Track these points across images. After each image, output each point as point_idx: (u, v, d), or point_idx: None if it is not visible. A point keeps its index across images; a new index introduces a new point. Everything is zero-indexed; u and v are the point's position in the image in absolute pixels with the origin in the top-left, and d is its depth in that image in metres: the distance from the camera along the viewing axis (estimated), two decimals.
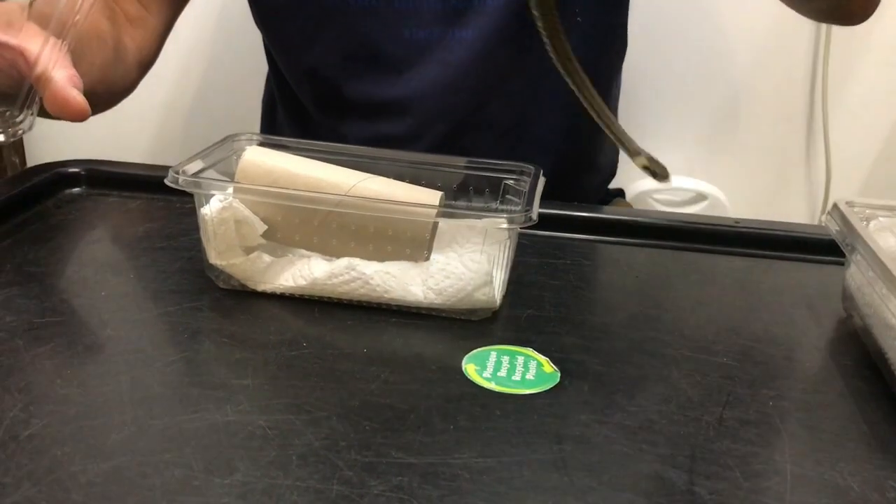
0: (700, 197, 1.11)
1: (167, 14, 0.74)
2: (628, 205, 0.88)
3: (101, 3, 0.66)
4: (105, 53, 0.60)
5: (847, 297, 0.48)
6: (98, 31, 0.60)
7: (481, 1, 0.67)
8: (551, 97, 0.71)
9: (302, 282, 0.45)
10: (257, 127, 0.88)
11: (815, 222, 1.25)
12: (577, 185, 0.79)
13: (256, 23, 0.76)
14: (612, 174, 0.87)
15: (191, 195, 0.60)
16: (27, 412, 0.35)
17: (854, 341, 0.45)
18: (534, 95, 0.71)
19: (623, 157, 1.05)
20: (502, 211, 0.44)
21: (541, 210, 0.58)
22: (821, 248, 0.56)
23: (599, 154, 0.80)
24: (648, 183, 1.13)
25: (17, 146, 1.35)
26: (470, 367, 0.41)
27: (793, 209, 1.22)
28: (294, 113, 0.79)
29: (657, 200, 1.10)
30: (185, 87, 1.15)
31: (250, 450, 0.34)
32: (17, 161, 1.36)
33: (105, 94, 0.61)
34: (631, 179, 1.12)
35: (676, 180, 1.14)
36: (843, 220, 0.47)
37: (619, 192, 0.90)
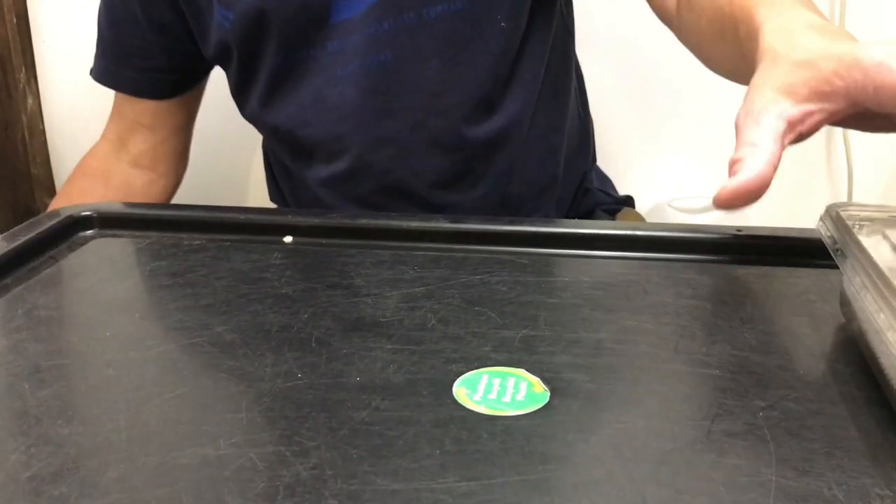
0: None
1: (174, 127, 0.85)
2: (637, 214, 0.88)
3: (95, 170, 0.85)
4: None
5: (844, 303, 0.47)
6: None
7: (395, 25, 0.69)
8: (487, 106, 0.73)
9: None
10: (260, 166, 0.92)
11: None
12: (540, 177, 0.80)
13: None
14: (585, 164, 0.87)
15: (197, 233, 0.62)
16: (28, 454, 0.37)
17: (852, 347, 0.45)
18: (473, 107, 0.73)
19: (634, 162, 1.04)
20: None
21: (540, 228, 0.59)
22: (826, 252, 0.56)
23: (553, 147, 0.81)
24: (663, 191, 1.13)
25: (49, 186, 1.39)
26: (461, 391, 0.41)
27: (815, 214, 1.21)
28: (274, 160, 0.86)
29: (674, 208, 1.09)
30: (203, 131, 1.18)
31: (239, 482, 0.35)
32: (49, 202, 1.40)
33: None
34: (644, 187, 1.12)
35: (694, 187, 1.14)
36: (835, 225, 0.47)
37: (628, 199, 0.90)
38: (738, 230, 0.59)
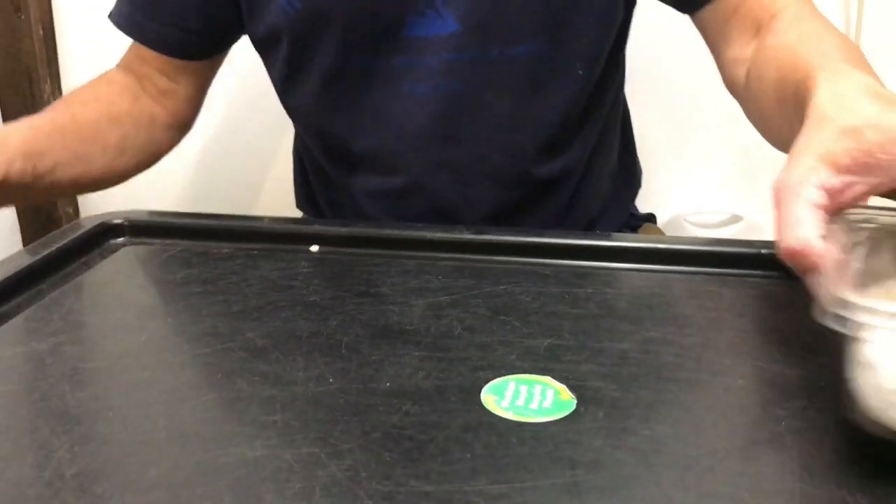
0: (734, 218, 1.11)
1: (195, 84, 0.81)
2: (658, 230, 0.88)
3: (121, 86, 0.78)
4: (121, 131, 0.75)
5: None
6: (111, 115, 0.74)
7: (475, 56, 0.70)
8: (551, 148, 0.74)
9: None
10: (290, 175, 0.92)
11: None
12: (592, 213, 0.80)
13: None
14: (633, 195, 0.88)
15: (226, 241, 0.63)
16: (72, 452, 0.38)
17: None
18: (537, 148, 0.73)
19: (650, 176, 1.06)
20: None
21: (562, 241, 0.60)
22: None
23: (612, 189, 0.82)
24: (681, 206, 1.14)
25: (71, 197, 1.41)
26: (489, 398, 0.42)
27: None
28: (311, 164, 0.84)
29: (690, 223, 1.10)
30: (222, 136, 1.19)
31: (277, 482, 0.36)
32: (71, 210, 1.42)
33: (130, 163, 0.77)
34: (663, 202, 1.13)
35: (709, 202, 1.15)
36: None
37: (650, 217, 0.91)
38: (762, 246, 0.60)
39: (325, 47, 0.71)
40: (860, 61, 0.54)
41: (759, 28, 0.66)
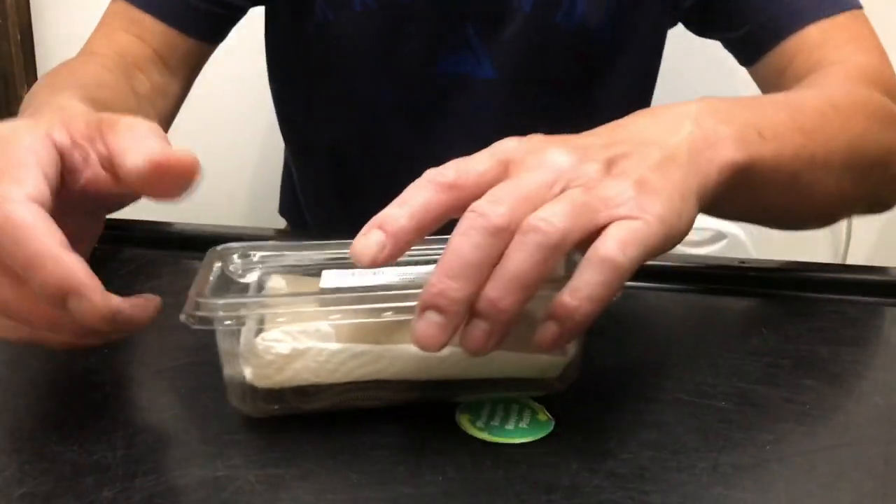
0: (719, 236, 1.10)
1: (186, 81, 0.77)
2: None
3: (115, 81, 0.67)
4: None
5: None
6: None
7: (508, 105, 0.69)
8: None
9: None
10: (271, 179, 0.90)
11: (839, 260, 1.24)
12: None
13: (273, 92, 0.79)
14: None
15: (198, 251, 0.61)
16: (22, 471, 0.36)
17: (859, 379, 0.45)
18: None
19: None
20: None
21: None
22: (829, 284, 0.56)
23: None
24: None
25: None
26: (464, 418, 0.41)
27: (815, 247, 1.21)
28: (306, 182, 0.82)
29: None
30: (204, 145, 1.17)
31: None
32: None
33: None
34: None
35: (696, 219, 1.14)
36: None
37: None
38: (742, 262, 0.59)
39: (354, 72, 0.70)
40: (808, 116, 0.52)
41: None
